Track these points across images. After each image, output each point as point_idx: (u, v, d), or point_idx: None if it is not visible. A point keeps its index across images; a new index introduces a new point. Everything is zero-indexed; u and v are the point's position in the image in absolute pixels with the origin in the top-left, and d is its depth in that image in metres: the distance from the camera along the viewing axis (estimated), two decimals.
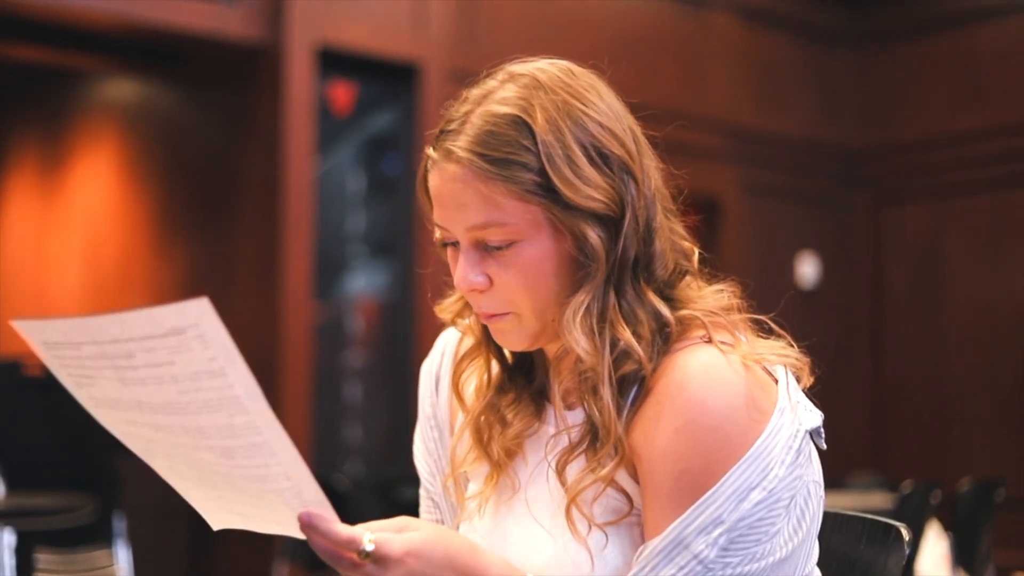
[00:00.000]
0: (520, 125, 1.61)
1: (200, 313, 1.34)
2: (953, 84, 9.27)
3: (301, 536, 1.51)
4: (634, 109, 1.72)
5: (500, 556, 1.59)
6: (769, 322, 1.68)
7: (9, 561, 5.29)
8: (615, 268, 1.62)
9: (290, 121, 6.88)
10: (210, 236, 7.44)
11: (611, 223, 1.62)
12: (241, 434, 1.42)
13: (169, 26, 6.75)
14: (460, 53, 7.43)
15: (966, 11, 9.21)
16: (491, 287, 1.64)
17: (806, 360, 1.65)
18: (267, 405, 1.39)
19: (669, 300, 1.65)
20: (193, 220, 7.69)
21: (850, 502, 5.83)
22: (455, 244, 1.66)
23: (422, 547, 1.50)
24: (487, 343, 1.76)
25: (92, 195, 8.76)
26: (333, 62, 7.11)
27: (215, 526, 1.65)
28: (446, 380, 1.86)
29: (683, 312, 1.64)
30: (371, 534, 1.48)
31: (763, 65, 9.22)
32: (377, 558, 1.48)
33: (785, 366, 1.63)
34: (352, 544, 1.47)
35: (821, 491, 1.63)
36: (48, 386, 5.82)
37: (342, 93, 7.23)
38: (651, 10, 8.62)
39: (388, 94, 7.36)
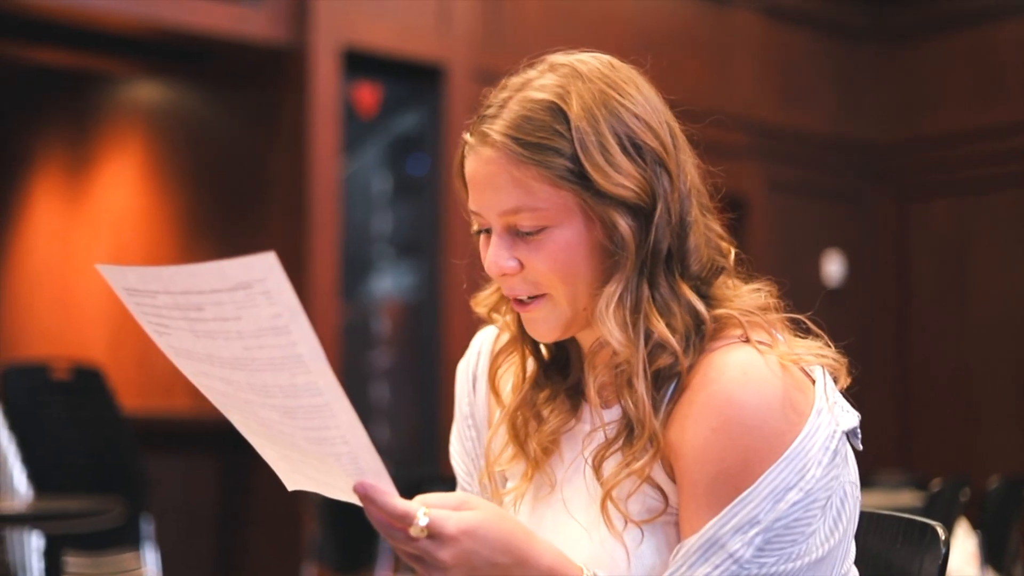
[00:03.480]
0: (555, 111, 1.63)
1: (267, 268, 1.35)
2: (976, 80, 9.24)
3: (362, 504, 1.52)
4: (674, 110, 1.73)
5: (553, 544, 1.59)
6: (807, 321, 1.68)
7: (38, 564, 5.30)
8: (647, 259, 1.62)
9: (315, 122, 6.88)
10: (236, 238, 7.45)
11: (642, 213, 1.62)
12: (302, 395, 1.43)
13: (194, 28, 6.77)
14: (485, 53, 7.43)
15: (988, 7, 9.18)
16: (522, 271, 1.65)
17: (843, 360, 1.65)
18: (329, 366, 1.40)
19: (706, 298, 1.66)
20: (219, 222, 7.70)
21: (879, 500, 5.81)
22: (489, 231, 1.68)
23: (478, 527, 1.49)
24: (523, 338, 1.76)
25: (118, 197, 8.78)
26: (358, 63, 7.12)
27: (290, 487, 1.66)
28: (483, 379, 1.86)
29: (720, 311, 1.65)
30: (426, 509, 1.47)
31: (786, 62, 9.20)
32: (432, 534, 1.47)
33: (822, 366, 1.63)
34: (407, 519, 1.47)
35: (857, 492, 1.63)
36: (75, 389, 5.85)
37: (367, 94, 7.24)
38: (675, 8, 8.62)
39: (413, 95, 7.37)
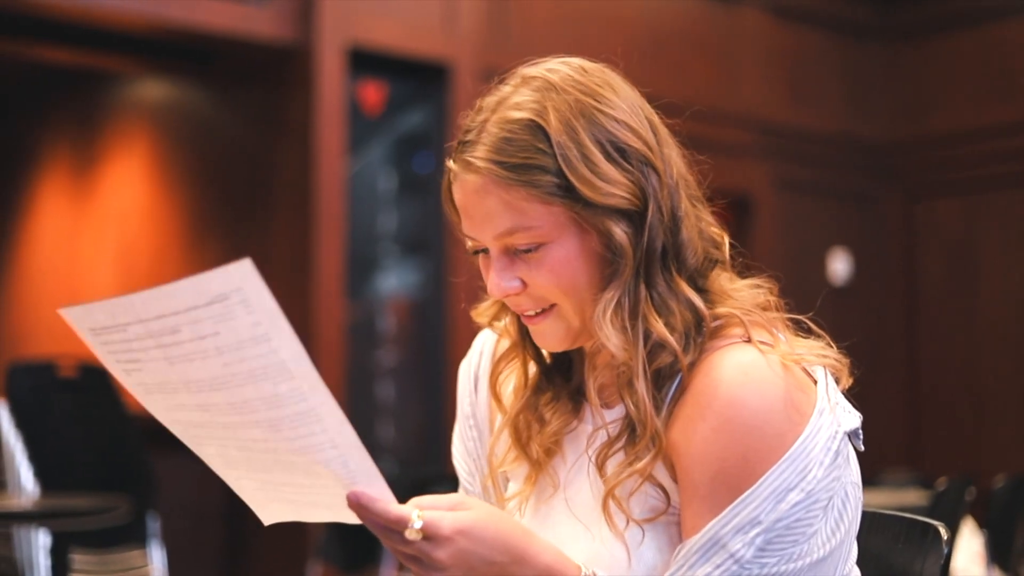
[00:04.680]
0: (534, 129, 1.61)
1: (243, 276, 1.34)
2: (984, 78, 9.22)
3: (350, 520, 1.52)
4: (665, 106, 1.72)
5: (551, 543, 1.59)
6: (808, 321, 1.68)
7: (44, 562, 5.31)
8: (644, 260, 1.62)
9: (321, 121, 6.88)
10: (242, 236, 7.46)
11: (635, 216, 1.62)
12: (287, 403, 1.42)
13: (199, 27, 6.77)
14: (491, 52, 7.42)
15: (996, 6, 9.17)
16: (525, 289, 1.65)
17: (845, 361, 1.65)
18: (313, 368, 1.39)
19: (702, 291, 1.66)
20: (225, 220, 7.70)
21: (885, 499, 5.81)
22: (486, 251, 1.67)
23: (473, 526, 1.50)
24: (524, 343, 1.76)
25: (124, 196, 8.79)
26: (363, 62, 7.11)
27: (266, 520, 1.65)
28: (485, 379, 1.86)
29: (721, 309, 1.64)
30: (419, 512, 1.48)
31: (794, 61, 9.19)
32: (427, 536, 1.48)
33: (824, 367, 1.63)
34: (401, 523, 1.47)
35: (859, 492, 1.62)
36: (82, 387, 5.85)
37: (373, 93, 7.24)
38: (682, 7, 8.61)
39: (419, 93, 7.36)
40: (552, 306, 1.66)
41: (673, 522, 1.63)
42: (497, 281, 1.65)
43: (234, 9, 6.80)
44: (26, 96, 10.13)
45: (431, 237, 7.29)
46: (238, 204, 7.57)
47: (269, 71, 7.25)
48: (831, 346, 1.66)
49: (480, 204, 1.63)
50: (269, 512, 1.64)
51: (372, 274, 7.33)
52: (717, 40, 8.75)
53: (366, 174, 7.30)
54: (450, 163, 1.67)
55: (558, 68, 1.67)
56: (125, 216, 8.75)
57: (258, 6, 6.86)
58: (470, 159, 1.63)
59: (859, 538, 1.65)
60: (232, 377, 1.42)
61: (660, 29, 8.35)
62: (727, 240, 1.72)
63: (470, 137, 1.65)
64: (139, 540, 5.74)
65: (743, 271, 1.72)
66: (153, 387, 1.50)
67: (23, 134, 10.30)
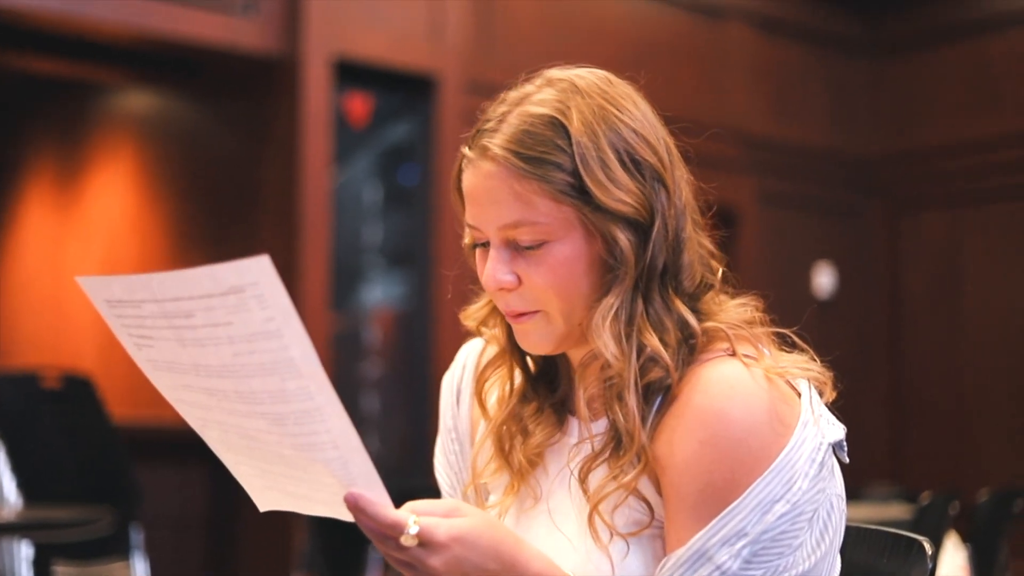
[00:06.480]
0: (556, 126, 1.63)
1: (260, 271, 1.34)
2: (969, 92, 9.24)
3: (345, 518, 1.52)
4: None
5: (541, 551, 1.59)
6: (792, 335, 1.69)
7: (27, 573, 5.29)
8: (644, 275, 1.63)
9: (307, 133, 6.88)
10: (227, 247, 7.44)
11: (641, 229, 1.63)
12: (292, 399, 1.42)
13: (185, 38, 6.76)
14: (477, 64, 7.43)
15: (981, 20, 9.20)
16: (520, 286, 1.65)
17: (829, 374, 1.65)
18: (321, 369, 1.39)
19: (695, 312, 1.66)
20: (210, 231, 7.69)
21: (868, 513, 5.81)
22: (485, 245, 1.67)
23: (468, 533, 1.50)
24: (512, 351, 1.76)
25: (109, 207, 8.77)
26: (349, 74, 7.11)
27: (262, 507, 1.66)
28: (467, 393, 1.87)
29: (708, 324, 1.65)
30: (416, 517, 1.48)
31: (779, 75, 9.21)
32: (423, 542, 1.48)
33: (808, 380, 1.63)
34: (397, 528, 1.47)
35: (843, 505, 1.63)
36: (65, 398, 5.83)
37: (359, 105, 7.23)
38: (668, 20, 8.62)
39: (404, 105, 7.36)
40: (539, 311, 1.66)
41: (657, 535, 1.63)
42: (493, 272, 1.65)
43: (220, 20, 6.80)
44: (11, 106, 10.11)
45: (416, 249, 7.29)
46: (223, 215, 7.56)
47: (255, 82, 7.24)
48: (815, 360, 1.66)
49: (490, 192, 1.63)
50: (266, 499, 1.64)
51: (357, 286, 7.32)
52: (703, 53, 8.77)
53: (351, 186, 7.29)
54: (465, 150, 1.68)
55: (585, 75, 1.69)
56: (110, 227, 8.73)
57: (244, 18, 6.86)
58: (488, 145, 1.64)
59: (843, 553, 1.65)
60: (241, 367, 1.42)
61: (646, 41, 8.36)
62: (722, 269, 1.73)
63: (489, 126, 1.66)
64: (122, 552, 5.72)
65: (734, 293, 1.73)
66: (162, 364, 1.50)
67: (8, 144, 10.27)
